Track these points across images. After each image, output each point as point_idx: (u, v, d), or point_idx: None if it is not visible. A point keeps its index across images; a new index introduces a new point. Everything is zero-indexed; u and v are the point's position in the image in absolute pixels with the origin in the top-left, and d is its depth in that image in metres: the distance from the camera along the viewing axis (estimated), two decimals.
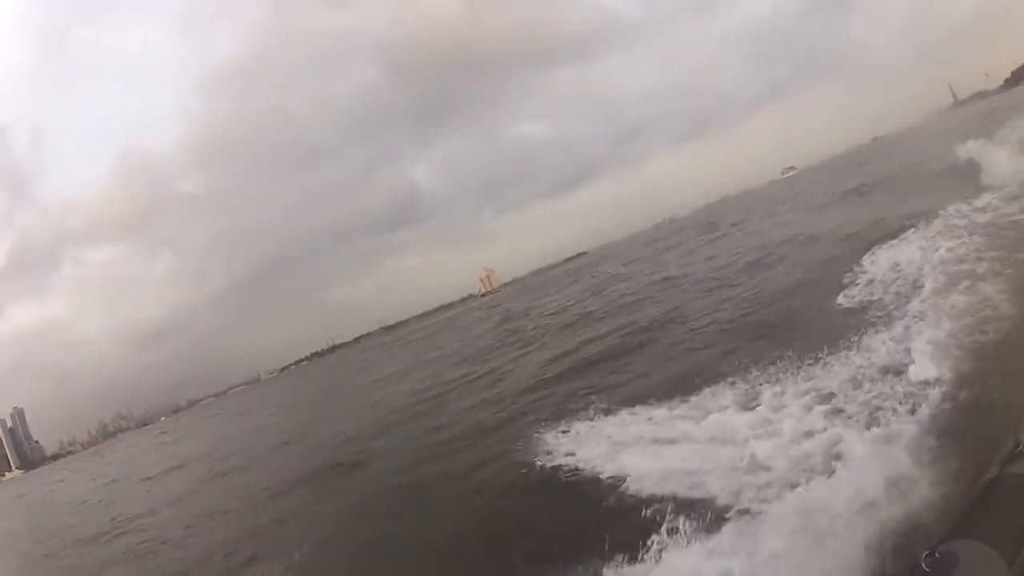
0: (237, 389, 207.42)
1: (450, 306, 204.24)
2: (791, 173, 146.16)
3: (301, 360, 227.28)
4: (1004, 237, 10.14)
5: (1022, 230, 10.29)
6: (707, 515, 5.56)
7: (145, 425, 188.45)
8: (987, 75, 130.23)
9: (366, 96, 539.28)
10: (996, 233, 10.52)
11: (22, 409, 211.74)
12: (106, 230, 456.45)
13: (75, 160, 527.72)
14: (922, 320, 7.75)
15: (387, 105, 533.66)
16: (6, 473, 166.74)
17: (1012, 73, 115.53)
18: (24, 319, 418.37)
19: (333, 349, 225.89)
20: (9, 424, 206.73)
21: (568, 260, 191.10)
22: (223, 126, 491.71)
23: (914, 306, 8.56)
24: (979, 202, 13.46)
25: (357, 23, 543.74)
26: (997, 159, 17.01)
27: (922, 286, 9.20)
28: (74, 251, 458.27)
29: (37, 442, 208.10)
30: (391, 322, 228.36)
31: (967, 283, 8.43)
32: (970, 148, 19.82)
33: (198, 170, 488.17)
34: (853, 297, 10.55)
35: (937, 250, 10.54)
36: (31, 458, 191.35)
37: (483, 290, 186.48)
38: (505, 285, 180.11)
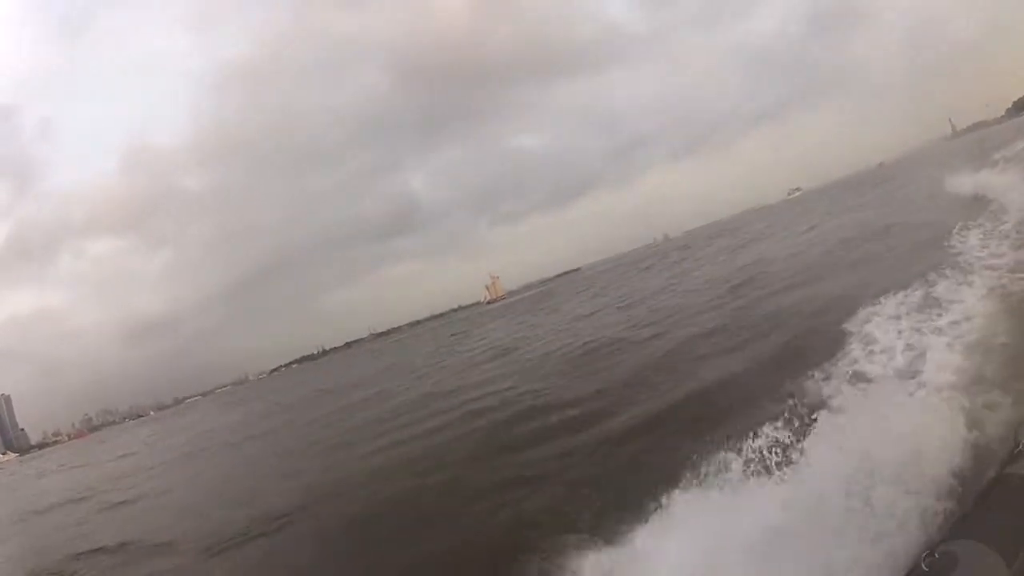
0: (224, 389, 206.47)
1: (441, 315, 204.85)
2: (797, 194, 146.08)
3: (291, 363, 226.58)
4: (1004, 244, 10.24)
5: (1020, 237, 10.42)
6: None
7: (139, 417, 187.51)
8: (987, 105, 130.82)
9: (372, 102, 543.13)
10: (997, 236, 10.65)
11: (8, 396, 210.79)
12: (107, 223, 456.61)
13: (81, 151, 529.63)
14: (921, 319, 7.79)
15: (391, 112, 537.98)
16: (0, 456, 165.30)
17: (1013, 103, 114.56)
18: (17, 307, 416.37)
19: (324, 353, 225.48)
20: None
21: (561, 275, 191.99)
22: (230, 125, 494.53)
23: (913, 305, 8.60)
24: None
25: (370, 29, 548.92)
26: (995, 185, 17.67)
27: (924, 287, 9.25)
28: (73, 242, 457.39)
29: (23, 430, 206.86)
30: (381, 329, 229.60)
31: (968, 283, 8.50)
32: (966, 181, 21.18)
33: (202, 168, 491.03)
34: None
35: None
36: (16, 445, 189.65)
37: (489, 297, 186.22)
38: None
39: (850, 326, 9.21)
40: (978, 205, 16.48)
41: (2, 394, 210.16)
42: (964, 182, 21.18)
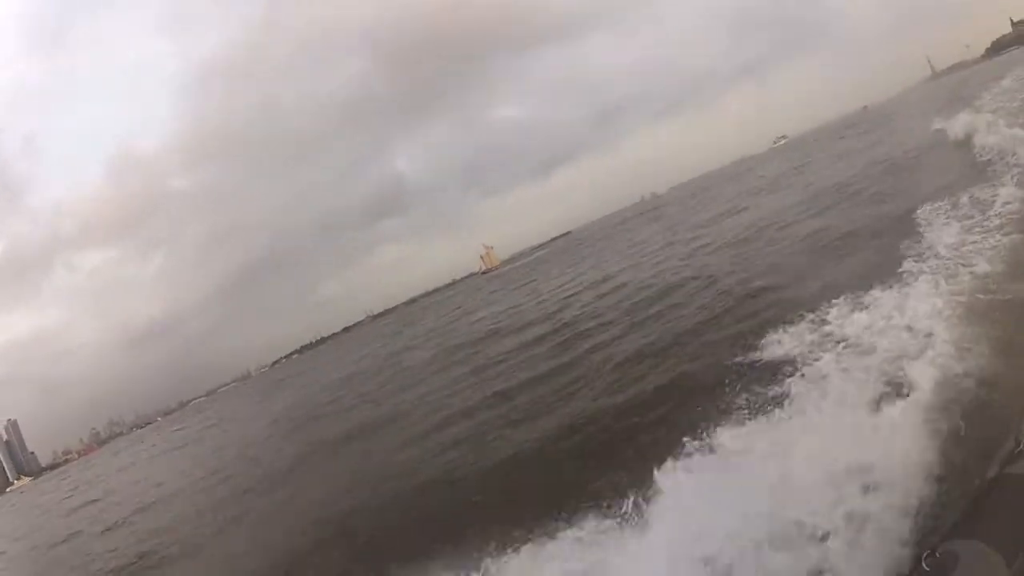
0: (228, 387, 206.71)
1: (435, 291, 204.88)
2: (783, 142, 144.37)
3: (292, 354, 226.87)
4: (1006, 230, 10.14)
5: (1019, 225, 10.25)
6: None
7: (148, 424, 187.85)
8: (967, 46, 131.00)
9: (352, 87, 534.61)
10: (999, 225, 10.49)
11: (16, 420, 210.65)
12: (97, 233, 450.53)
13: (65, 163, 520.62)
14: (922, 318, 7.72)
15: (372, 95, 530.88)
16: (15, 482, 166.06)
17: (992, 43, 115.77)
18: (16, 328, 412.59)
19: (322, 341, 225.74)
20: (4, 436, 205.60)
21: (552, 240, 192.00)
22: (214, 123, 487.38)
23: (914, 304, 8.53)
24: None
25: (344, 13, 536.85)
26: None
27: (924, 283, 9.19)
28: (65, 256, 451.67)
29: (33, 453, 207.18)
30: (378, 311, 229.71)
31: (969, 281, 8.43)
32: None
33: (188, 168, 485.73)
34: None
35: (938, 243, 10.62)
36: (27, 469, 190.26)
37: (484, 267, 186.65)
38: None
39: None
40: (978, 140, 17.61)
41: (9, 419, 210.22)
42: (957, 120, 21.39)
